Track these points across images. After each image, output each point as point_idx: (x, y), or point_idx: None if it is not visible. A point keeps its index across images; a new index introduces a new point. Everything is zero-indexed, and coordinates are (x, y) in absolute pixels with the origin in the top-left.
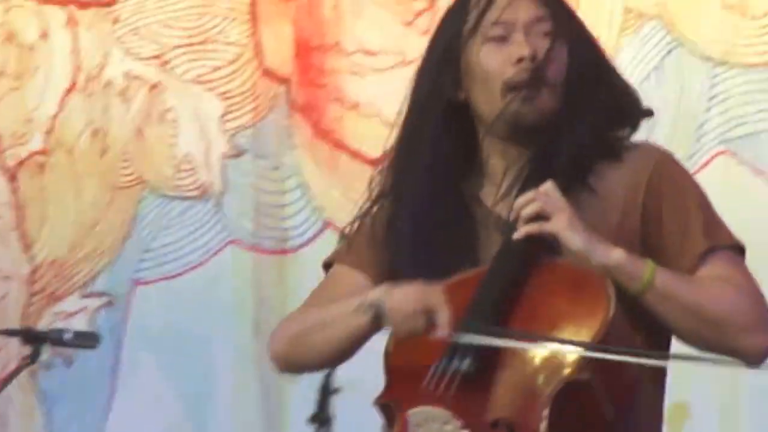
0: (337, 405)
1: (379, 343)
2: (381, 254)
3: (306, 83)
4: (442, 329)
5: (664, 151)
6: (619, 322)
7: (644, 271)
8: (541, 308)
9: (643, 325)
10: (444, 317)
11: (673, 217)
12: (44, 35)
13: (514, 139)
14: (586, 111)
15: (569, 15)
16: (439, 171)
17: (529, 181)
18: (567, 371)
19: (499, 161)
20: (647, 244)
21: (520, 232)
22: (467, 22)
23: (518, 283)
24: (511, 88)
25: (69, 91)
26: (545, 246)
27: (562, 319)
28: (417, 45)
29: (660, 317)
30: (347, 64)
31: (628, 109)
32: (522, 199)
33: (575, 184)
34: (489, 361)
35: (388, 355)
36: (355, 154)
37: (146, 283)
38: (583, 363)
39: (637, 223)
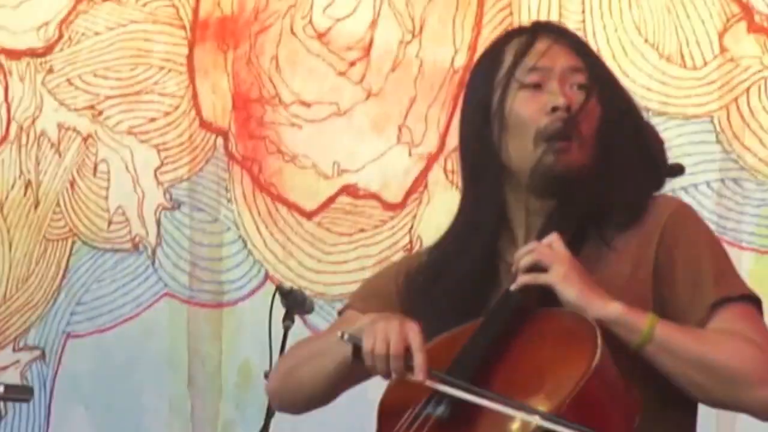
0: None
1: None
2: (396, 301)
3: (244, 135)
4: (417, 374)
5: (681, 203)
6: (605, 373)
7: (643, 324)
8: (528, 358)
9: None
10: (419, 361)
11: (684, 268)
12: None
13: (541, 191)
14: (617, 166)
15: (603, 67)
16: (476, 224)
17: (544, 233)
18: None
19: (521, 215)
20: (659, 296)
21: (517, 282)
22: (501, 70)
23: (510, 333)
24: (545, 138)
25: (1, 142)
26: (547, 296)
27: (545, 369)
28: (351, 94)
29: (663, 370)
30: (285, 115)
31: (658, 166)
32: (522, 250)
33: (592, 238)
34: (465, 410)
35: (381, 401)
36: (293, 207)
37: (78, 336)
38: (560, 412)
39: (649, 275)
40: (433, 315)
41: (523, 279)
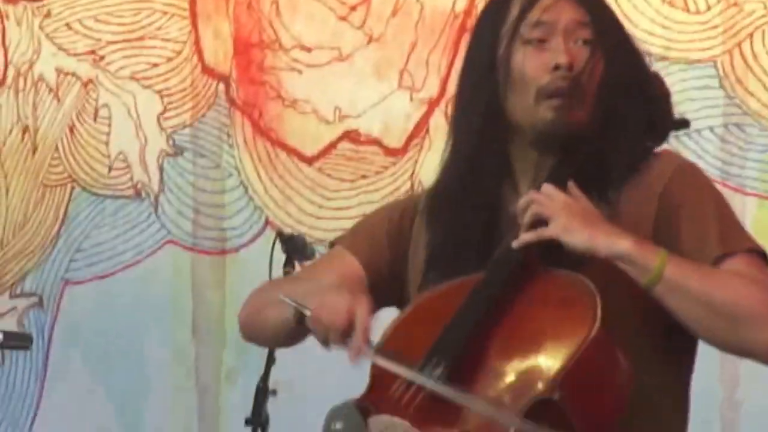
0: (273, 406)
1: (314, 347)
2: (386, 244)
3: (245, 80)
4: (350, 353)
5: (684, 161)
6: (603, 345)
7: (654, 260)
8: (526, 322)
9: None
10: (357, 341)
11: (689, 226)
12: None
13: (542, 147)
14: (617, 124)
15: (611, 20)
16: (477, 174)
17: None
18: (538, 389)
19: (525, 166)
20: None
21: (519, 240)
22: (506, 22)
23: (509, 292)
24: (545, 96)
25: None
26: (551, 247)
27: (542, 335)
28: (352, 39)
29: (672, 310)
30: (286, 60)
31: (661, 120)
32: (521, 202)
33: (592, 197)
34: (461, 373)
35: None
36: (293, 152)
37: (77, 282)
38: (556, 382)
39: (649, 233)
40: (432, 262)
41: (525, 237)
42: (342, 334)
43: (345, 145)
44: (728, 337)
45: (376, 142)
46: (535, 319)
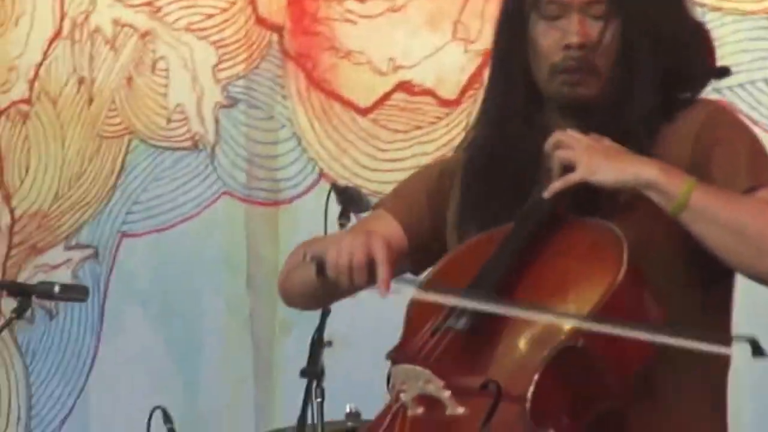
0: (328, 358)
1: (370, 299)
2: (425, 205)
3: (299, 31)
4: (380, 285)
5: (718, 104)
6: (631, 291)
7: (681, 185)
8: (554, 269)
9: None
10: (383, 272)
11: (721, 160)
12: None
13: (567, 114)
14: (640, 85)
15: None
16: (509, 135)
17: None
18: (562, 337)
19: (555, 121)
20: None
21: (549, 190)
22: None
23: (539, 241)
24: (557, 72)
25: (54, 38)
26: (584, 196)
27: (570, 280)
28: None
29: (699, 237)
30: (339, 11)
31: (694, 71)
32: (547, 145)
33: (630, 144)
34: (486, 323)
35: (408, 306)
36: (348, 104)
37: (134, 235)
38: (580, 330)
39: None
40: (464, 217)
41: (554, 186)
42: (365, 271)
43: (399, 96)
44: (755, 265)
45: (430, 93)
46: (562, 269)
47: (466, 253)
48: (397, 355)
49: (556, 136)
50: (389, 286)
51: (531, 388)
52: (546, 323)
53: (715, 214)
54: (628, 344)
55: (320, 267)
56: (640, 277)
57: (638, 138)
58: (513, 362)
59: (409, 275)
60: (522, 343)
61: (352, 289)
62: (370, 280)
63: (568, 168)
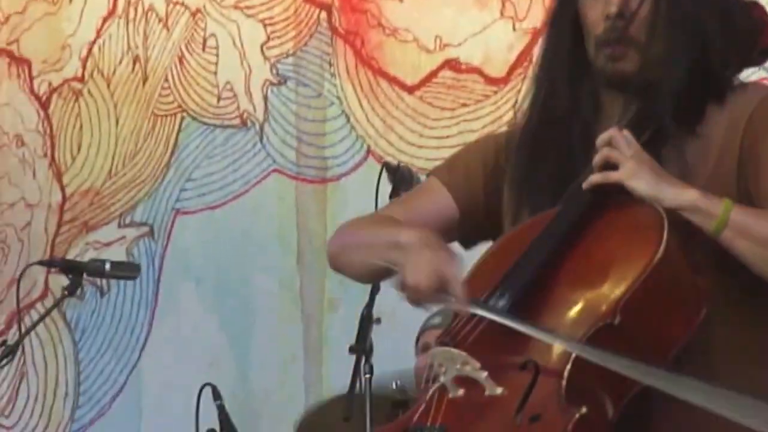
0: (376, 335)
1: None
2: (481, 181)
3: (347, 9)
4: (458, 303)
5: None
6: (670, 264)
7: (719, 209)
8: (592, 254)
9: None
10: (458, 291)
11: None
12: None
13: (616, 88)
14: (684, 57)
15: None
16: (563, 114)
17: (627, 120)
18: (598, 314)
19: (609, 107)
20: (744, 188)
21: (588, 181)
22: None
23: (579, 227)
24: (600, 45)
25: (108, 16)
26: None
27: (608, 264)
28: None
29: (740, 257)
30: None
31: (744, 50)
32: (599, 140)
33: (676, 128)
34: (524, 304)
35: (470, 271)
36: (395, 81)
37: (188, 212)
38: (617, 306)
39: (734, 164)
40: (528, 192)
41: (593, 178)
42: (434, 295)
43: (446, 74)
44: None
45: (477, 70)
46: (601, 251)
47: (511, 240)
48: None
49: (611, 133)
50: (463, 301)
51: (568, 367)
52: (585, 304)
53: (754, 231)
54: (667, 324)
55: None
56: (680, 255)
57: (686, 109)
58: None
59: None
60: (559, 323)
61: None
62: (442, 297)
63: (610, 166)
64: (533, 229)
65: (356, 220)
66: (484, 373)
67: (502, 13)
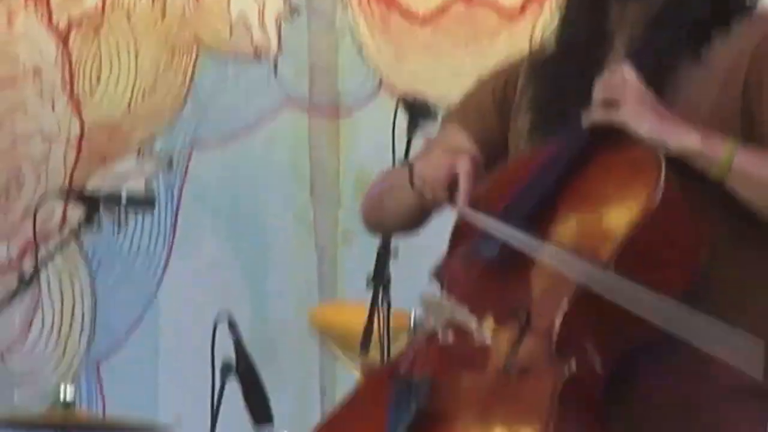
0: (395, 267)
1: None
2: (495, 116)
3: None
4: (459, 203)
5: None
6: (668, 206)
7: (721, 154)
8: (591, 193)
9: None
10: (463, 191)
11: None
12: None
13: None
14: None
15: None
16: (576, 36)
17: (634, 49)
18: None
19: (618, 26)
20: (748, 115)
21: (588, 119)
22: None
23: (577, 166)
24: None
25: None
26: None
27: (603, 210)
28: None
29: (745, 200)
30: None
31: None
32: (600, 82)
33: (685, 53)
34: (515, 251)
35: (454, 225)
36: (407, 13)
37: (204, 145)
38: (611, 256)
39: (737, 95)
40: (535, 125)
41: (595, 115)
42: (446, 188)
43: (458, 7)
44: None
45: (490, 4)
46: (600, 191)
47: (512, 173)
48: (439, 276)
49: (612, 74)
50: (467, 199)
51: (558, 318)
52: (580, 252)
53: (758, 175)
54: (666, 270)
55: (410, 175)
56: (677, 200)
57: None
58: (541, 291)
59: None
60: (551, 272)
61: (437, 204)
62: (451, 195)
63: (610, 103)
64: (534, 161)
65: (380, 174)
66: (473, 321)
67: None
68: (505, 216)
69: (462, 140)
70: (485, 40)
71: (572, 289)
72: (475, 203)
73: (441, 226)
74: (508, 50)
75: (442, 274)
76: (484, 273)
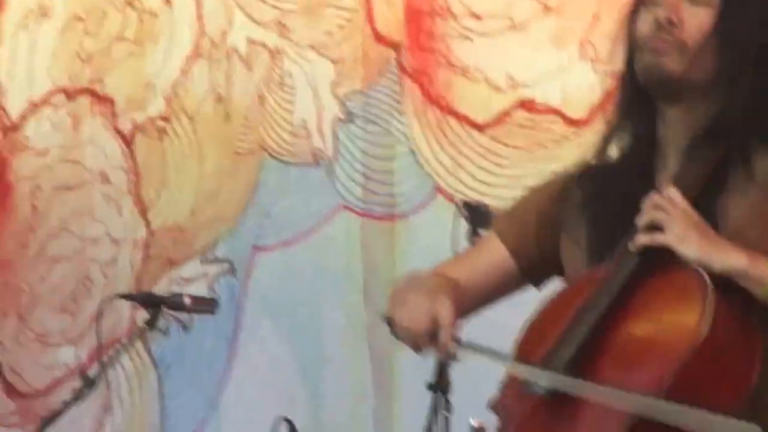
0: (455, 372)
1: (499, 312)
2: (535, 233)
3: (416, 48)
4: (440, 349)
5: None
6: (718, 334)
7: None
8: (638, 324)
9: None
10: (444, 337)
11: None
12: (168, 1)
13: (659, 98)
14: (746, 78)
15: None
16: (631, 156)
17: (679, 172)
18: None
19: (665, 132)
20: None
21: (634, 242)
22: None
23: (625, 294)
24: (645, 41)
25: (192, 56)
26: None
27: (652, 342)
28: (525, 8)
29: None
30: (456, 28)
31: None
32: (646, 204)
33: (737, 167)
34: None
35: (518, 342)
36: (464, 119)
37: (265, 249)
38: (661, 390)
39: None
40: (586, 239)
41: (641, 239)
42: (427, 338)
43: (519, 114)
44: None
45: (556, 111)
46: (646, 321)
47: (563, 300)
48: (497, 409)
49: (656, 197)
50: (447, 355)
51: None
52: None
53: None
54: (719, 392)
55: (390, 326)
56: (728, 320)
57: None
58: (589, 426)
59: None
60: (599, 406)
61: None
62: (433, 342)
63: (656, 227)
64: (582, 292)
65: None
66: None
67: (581, 55)
68: (548, 359)
69: (498, 251)
70: (550, 147)
71: (623, 421)
72: (521, 348)
73: (502, 328)
74: (573, 158)
75: (498, 406)
76: (538, 407)
